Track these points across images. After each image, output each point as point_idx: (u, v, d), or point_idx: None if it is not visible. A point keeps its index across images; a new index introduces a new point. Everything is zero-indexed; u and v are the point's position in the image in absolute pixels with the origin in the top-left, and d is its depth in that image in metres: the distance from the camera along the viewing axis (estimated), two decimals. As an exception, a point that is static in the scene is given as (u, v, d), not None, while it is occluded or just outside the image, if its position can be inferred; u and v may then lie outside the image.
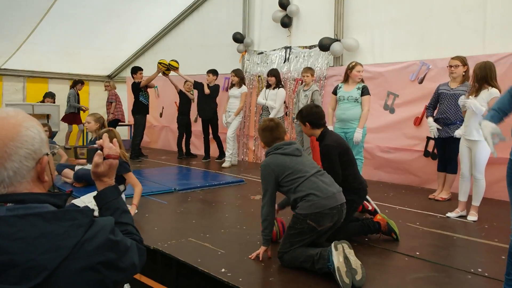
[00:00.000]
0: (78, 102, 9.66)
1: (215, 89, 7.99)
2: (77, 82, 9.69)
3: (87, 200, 3.96)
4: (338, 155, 3.44)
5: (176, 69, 8.17)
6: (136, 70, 8.37)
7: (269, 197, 3.03)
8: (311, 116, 3.56)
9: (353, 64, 5.31)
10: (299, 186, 2.94)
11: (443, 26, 5.87)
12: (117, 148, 1.49)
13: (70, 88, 9.70)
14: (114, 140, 1.51)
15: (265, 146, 3.27)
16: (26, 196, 1.11)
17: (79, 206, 1.46)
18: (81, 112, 9.65)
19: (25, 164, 1.12)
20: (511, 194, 2.43)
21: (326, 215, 2.88)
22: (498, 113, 2.45)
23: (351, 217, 3.50)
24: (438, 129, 4.95)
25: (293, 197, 2.98)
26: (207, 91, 7.80)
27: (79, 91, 9.70)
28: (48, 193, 1.19)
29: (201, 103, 8.01)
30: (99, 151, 1.45)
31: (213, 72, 7.98)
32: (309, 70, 6.55)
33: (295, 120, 6.63)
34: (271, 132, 3.20)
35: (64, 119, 9.56)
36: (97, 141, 1.49)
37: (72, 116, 9.56)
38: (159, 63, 8.19)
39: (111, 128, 4.57)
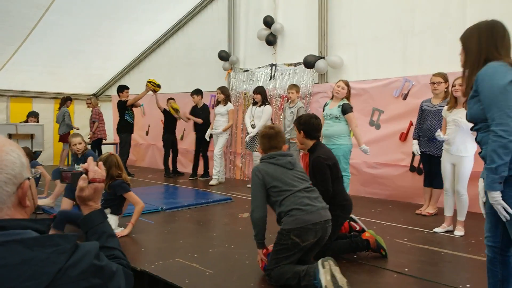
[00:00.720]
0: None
1: (205, 109, 8.01)
2: (67, 99, 9.59)
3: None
4: (328, 168, 3.44)
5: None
6: (122, 89, 8.36)
7: (259, 201, 3.04)
8: (308, 125, 3.56)
9: (338, 80, 5.42)
10: (284, 200, 2.97)
11: (424, 43, 5.99)
12: (102, 171, 1.48)
13: (61, 107, 9.56)
14: (100, 163, 1.50)
15: (262, 152, 3.29)
16: (7, 222, 1.08)
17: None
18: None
19: (5, 189, 1.10)
20: (487, 203, 2.42)
21: (310, 230, 2.88)
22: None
23: (337, 233, 3.50)
24: (423, 143, 5.03)
25: (278, 210, 3.02)
26: (199, 121, 7.79)
27: (68, 108, 9.60)
28: (31, 218, 1.17)
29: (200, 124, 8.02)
30: (83, 175, 1.43)
31: (197, 92, 7.98)
32: (294, 87, 6.61)
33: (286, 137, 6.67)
34: (269, 139, 3.22)
35: (62, 139, 9.47)
36: (82, 165, 1.48)
37: (68, 135, 9.47)
38: (149, 82, 8.18)
39: (112, 153, 4.54)
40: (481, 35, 2.29)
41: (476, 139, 2.38)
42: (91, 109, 9.61)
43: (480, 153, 2.33)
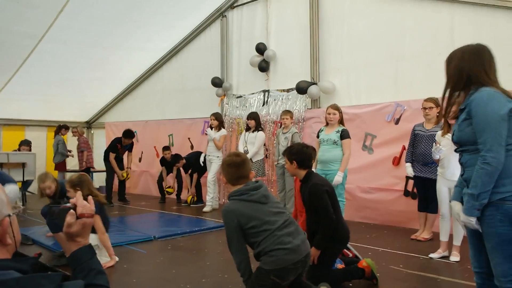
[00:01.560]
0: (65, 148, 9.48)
1: (194, 156, 8.16)
2: (61, 127, 9.53)
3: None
4: (326, 193, 3.32)
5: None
6: (128, 135, 8.36)
7: (237, 245, 2.80)
8: (301, 155, 3.42)
9: (327, 107, 5.44)
10: (263, 241, 2.72)
11: (415, 69, 6.07)
12: (92, 206, 1.44)
13: (55, 135, 9.50)
14: (89, 197, 1.47)
15: (226, 184, 2.99)
16: None
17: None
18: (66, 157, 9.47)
19: None
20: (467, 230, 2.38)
21: (291, 270, 2.72)
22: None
23: (332, 265, 3.44)
24: (417, 168, 5.02)
25: (257, 250, 2.78)
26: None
27: (63, 136, 9.52)
28: (13, 258, 1.13)
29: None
30: (71, 211, 1.39)
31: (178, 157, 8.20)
32: (288, 113, 6.64)
33: (277, 162, 6.65)
34: (237, 168, 2.87)
35: (57, 168, 9.41)
36: (71, 200, 1.44)
37: (64, 164, 9.40)
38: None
39: (83, 173, 4.50)
40: (464, 55, 2.29)
41: (460, 160, 2.36)
42: (76, 137, 9.55)
43: (462, 175, 2.32)
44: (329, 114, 5.32)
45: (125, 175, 8.48)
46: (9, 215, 1.15)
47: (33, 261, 1.16)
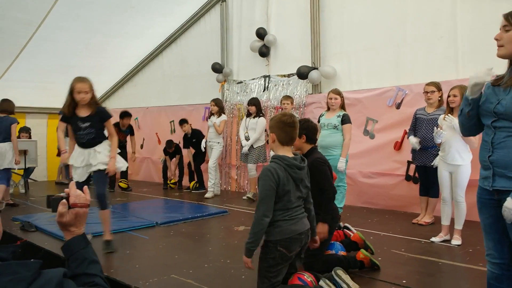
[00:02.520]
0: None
1: (196, 134, 8.08)
2: None
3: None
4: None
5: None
6: (123, 116, 8.28)
7: (271, 204, 2.67)
8: (309, 129, 3.46)
9: (329, 92, 5.41)
10: (274, 213, 2.71)
11: (416, 53, 6.02)
12: (87, 195, 1.44)
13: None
14: (85, 187, 1.46)
15: (275, 142, 2.82)
16: None
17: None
18: None
19: None
20: (482, 220, 2.41)
21: (296, 240, 2.75)
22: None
23: (328, 243, 3.46)
24: (417, 153, 5.01)
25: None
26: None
27: None
28: None
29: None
30: (63, 200, 1.39)
31: (184, 121, 8.04)
32: (288, 98, 6.61)
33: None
34: (293, 128, 2.79)
35: (59, 154, 9.40)
36: (65, 189, 1.44)
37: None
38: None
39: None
40: None
41: (490, 138, 2.21)
42: None
43: (490, 156, 2.20)
44: (331, 99, 5.30)
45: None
46: None
47: (14, 249, 1.16)
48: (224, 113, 7.66)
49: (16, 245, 1.22)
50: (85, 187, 1.46)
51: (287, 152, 2.80)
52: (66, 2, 6.82)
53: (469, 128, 2.41)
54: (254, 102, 7.14)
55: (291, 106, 6.53)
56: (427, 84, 4.95)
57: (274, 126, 2.80)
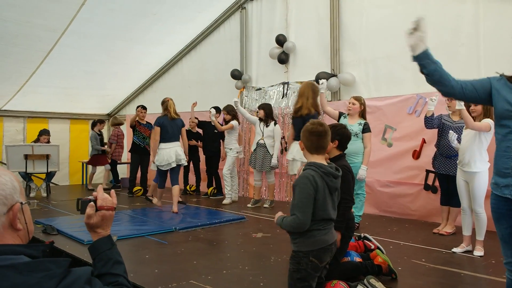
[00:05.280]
0: (101, 142, 9.53)
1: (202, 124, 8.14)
2: (96, 122, 9.63)
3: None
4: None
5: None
6: (144, 107, 8.48)
7: (310, 212, 2.57)
8: (344, 137, 3.44)
9: (351, 97, 5.46)
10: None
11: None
12: (113, 199, 1.50)
13: (91, 130, 9.66)
14: (112, 191, 1.52)
15: (303, 149, 2.81)
16: (1, 247, 1.12)
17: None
18: (108, 151, 9.56)
19: None
20: (500, 230, 2.36)
21: (327, 250, 2.71)
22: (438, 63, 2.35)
23: (344, 253, 3.43)
24: (440, 161, 4.95)
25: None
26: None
27: (101, 130, 9.62)
28: (24, 244, 1.20)
29: (207, 140, 8.14)
30: (91, 203, 1.46)
31: (217, 109, 7.97)
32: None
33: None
34: (318, 138, 2.73)
35: (89, 161, 9.61)
36: (93, 193, 1.50)
37: (96, 158, 9.46)
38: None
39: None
40: None
41: None
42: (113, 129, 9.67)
43: None
44: (349, 103, 5.35)
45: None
46: (21, 203, 1.21)
47: (44, 248, 1.21)
48: (237, 119, 7.62)
49: (45, 244, 1.27)
50: (112, 191, 1.51)
51: (320, 160, 2.74)
52: (89, 9, 6.97)
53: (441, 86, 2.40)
54: (263, 106, 7.12)
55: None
56: (449, 92, 4.88)
57: (302, 134, 2.78)
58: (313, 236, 2.65)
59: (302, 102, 5.93)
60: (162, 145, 6.44)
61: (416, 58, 2.27)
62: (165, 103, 6.69)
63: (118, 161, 9.64)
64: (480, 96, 2.29)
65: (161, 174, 6.67)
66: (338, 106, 6.89)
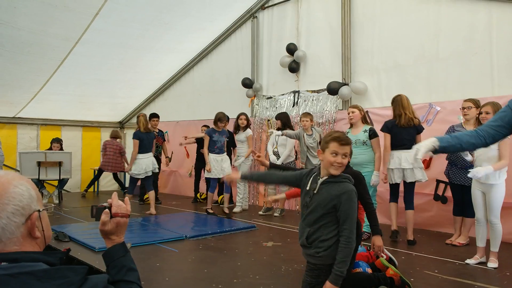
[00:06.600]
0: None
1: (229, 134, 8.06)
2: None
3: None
4: None
5: None
6: (151, 117, 8.47)
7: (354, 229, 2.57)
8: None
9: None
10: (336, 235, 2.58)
11: (449, 69, 5.93)
12: (127, 206, 1.51)
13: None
14: (126, 198, 1.53)
15: (323, 160, 2.70)
16: (19, 255, 1.13)
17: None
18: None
19: (13, 220, 1.15)
20: None
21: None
22: (451, 138, 2.34)
23: (353, 263, 3.40)
24: (454, 171, 4.91)
25: (330, 242, 2.59)
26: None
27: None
28: (43, 251, 1.21)
29: None
30: (106, 210, 1.46)
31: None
32: (308, 115, 6.44)
33: (304, 165, 6.60)
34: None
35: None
36: (108, 200, 1.51)
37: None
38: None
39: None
40: None
41: None
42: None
43: None
44: (348, 114, 5.43)
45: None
46: (38, 211, 1.22)
47: (61, 255, 1.22)
48: (249, 127, 7.62)
49: (62, 251, 1.29)
50: (126, 198, 1.52)
51: None
52: (103, 19, 7.06)
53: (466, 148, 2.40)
54: (280, 116, 7.08)
55: (310, 123, 6.39)
56: (465, 100, 4.84)
57: (322, 144, 2.74)
58: (336, 249, 2.58)
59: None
60: (140, 155, 7.28)
61: (436, 153, 2.32)
62: (137, 119, 7.51)
63: (105, 170, 9.53)
64: (508, 131, 2.34)
65: (135, 182, 7.46)
66: (349, 115, 6.88)
